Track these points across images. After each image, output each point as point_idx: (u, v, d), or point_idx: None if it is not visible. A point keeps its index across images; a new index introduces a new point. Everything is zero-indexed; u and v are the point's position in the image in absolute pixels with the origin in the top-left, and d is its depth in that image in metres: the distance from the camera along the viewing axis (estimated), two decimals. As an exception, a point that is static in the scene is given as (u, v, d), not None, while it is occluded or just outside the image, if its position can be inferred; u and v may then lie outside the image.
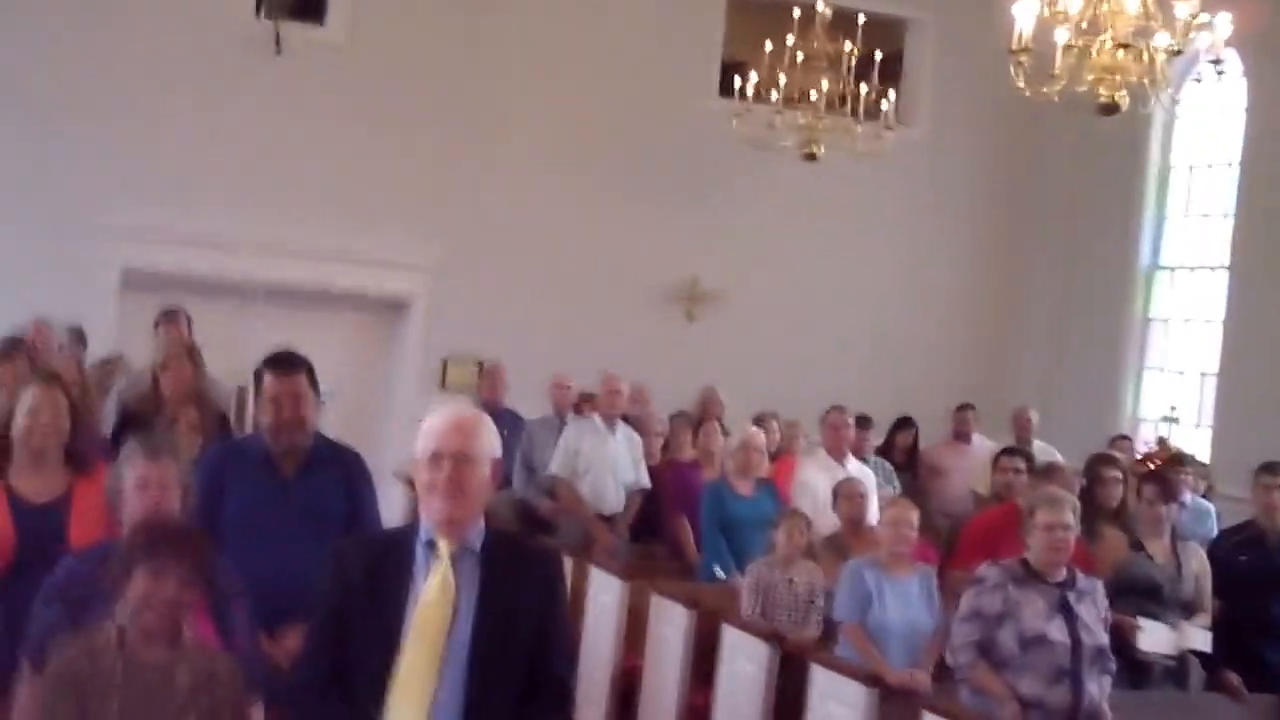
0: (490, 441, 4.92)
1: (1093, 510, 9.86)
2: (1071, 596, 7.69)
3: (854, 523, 10.38)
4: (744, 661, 8.72)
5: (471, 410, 5.11)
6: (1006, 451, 11.47)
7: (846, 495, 10.59)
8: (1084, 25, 9.78)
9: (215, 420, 8.99)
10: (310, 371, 7.10)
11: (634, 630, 10.05)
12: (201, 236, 15.48)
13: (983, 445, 13.98)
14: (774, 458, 12.28)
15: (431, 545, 4.82)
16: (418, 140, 16.44)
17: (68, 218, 15.15)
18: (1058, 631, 7.57)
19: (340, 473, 7.08)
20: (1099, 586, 7.99)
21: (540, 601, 4.93)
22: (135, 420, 8.83)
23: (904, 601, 8.86)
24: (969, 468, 13.61)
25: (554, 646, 4.97)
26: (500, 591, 4.82)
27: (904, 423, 14.78)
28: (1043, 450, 13.00)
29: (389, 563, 4.85)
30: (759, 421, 12.89)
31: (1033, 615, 7.59)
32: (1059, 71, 9.87)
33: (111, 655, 5.02)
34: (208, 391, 9.49)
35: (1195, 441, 15.59)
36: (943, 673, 8.40)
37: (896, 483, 13.02)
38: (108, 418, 9.68)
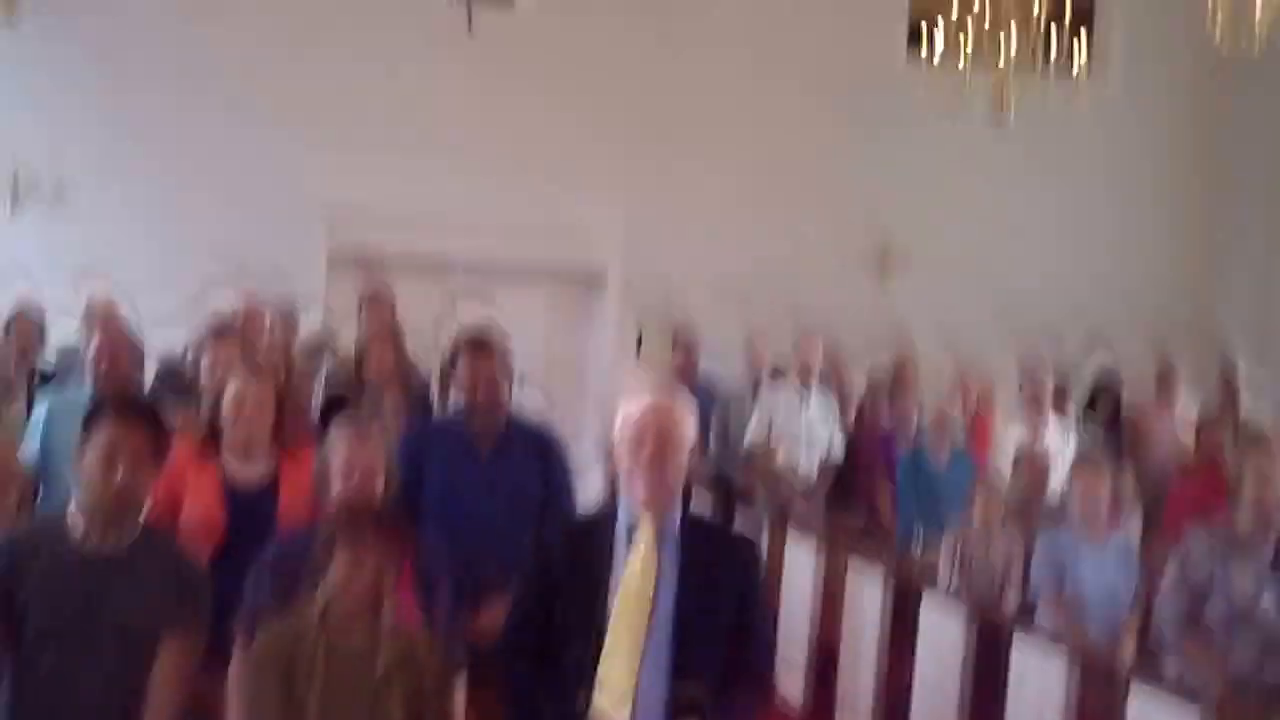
0: (690, 424, 4.95)
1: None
2: (1283, 565, 7.53)
3: (1038, 488, 10.26)
4: (944, 632, 8.64)
5: (670, 394, 5.12)
6: (1214, 417, 11.28)
7: (1028, 460, 10.48)
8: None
9: (418, 402, 9.09)
10: (504, 352, 7.16)
11: (832, 600, 10.02)
12: (400, 216, 15.64)
13: (1188, 405, 13.74)
14: (972, 421, 12.18)
15: (631, 527, 4.83)
16: (607, 112, 16.43)
17: (274, 198, 15.37)
18: (1270, 602, 7.41)
19: (536, 452, 7.19)
20: (1313, 554, 7.81)
21: (740, 587, 4.94)
22: (341, 402, 8.95)
23: (1101, 569, 8.74)
24: (1173, 429, 13.38)
25: (755, 634, 4.99)
26: (701, 574, 4.86)
27: (1107, 381, 14.58)
28: (1250, 409, 12.73)
29: (591, 544, 4.91)
30: (956, 385, 12.80)
31: (1243, 585, 7.43)
32: (1257, 23, 9.64)
33: (314, 636, 5.11)
34: (410, 373, 9.62)
35: None
36: (1146, 642, 8.27)
37: (1099, 443, 12.80)
38: (315, 399, 9.84)
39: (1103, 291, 17.53)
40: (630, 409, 4.93)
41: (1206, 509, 8.61)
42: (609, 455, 5.01)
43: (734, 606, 4.90)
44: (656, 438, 4.83)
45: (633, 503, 4.88)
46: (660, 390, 5.15)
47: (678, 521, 4.90)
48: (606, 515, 5.00)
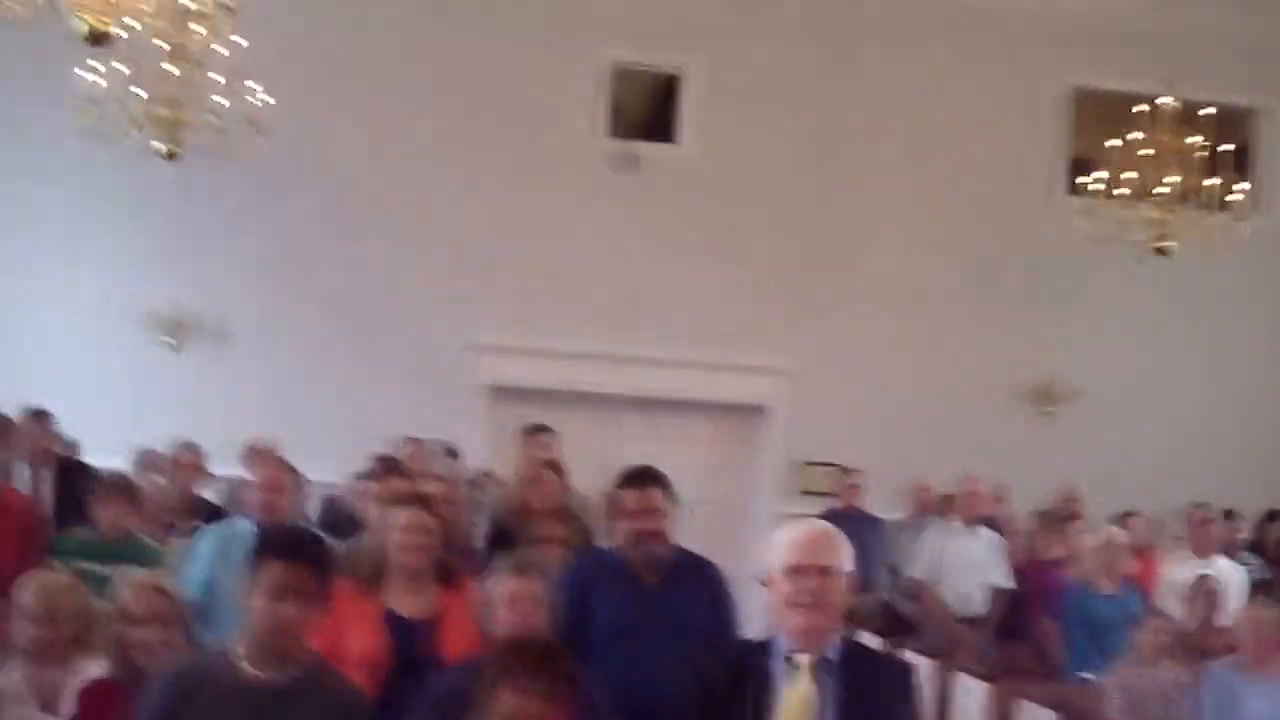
0: (846, 554, 4.95)
1: None
2: None
3: (1207, 620, 10.11)
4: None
5: (826, 524, 5.14)
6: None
7: (1203, 593, 10.36)
8: None
9: (580, 533, 9.13)
10: (666, 484, 7.20)
11: (1003, 733, 9.92)
12: (563, 351, 15.89)
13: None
14: (1138, 556, 12.05)
15: (789, 657, 4.85)
16: (772, 250, 16.60)
17: (437, 336, 15.69)
18: None
19: (701, 583, 7.14)
20: None
21: (898, 712, 4.93)
22: (504, 534, 9.02)
23: (1271, 702, 8.59)
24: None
25: None
26: (861, 703, 4.83)
27: (1274, 514, 14.37)
28: None
29: (749, 674, 4.89)
30: (1122, 519, 12.69)
31: None
32: None
33: (480, 769, 5.07)
34: (572, 505, 9.66)
35: None
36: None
37: (1269, 576, 12.61)
38: (479, 532, 9.93)
39: (1268, 427, 17.28)
40: (788, 536, 4.96)
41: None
42: (767, 584, 5.00)
43: None
44: (817, 566, 4.86)
45: (790, 632, 4.89)
46: (817, 522, 5.15)
47: (836, 649, 4.90)
48: (764, 644, 5.01)
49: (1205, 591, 10.35)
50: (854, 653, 4.98)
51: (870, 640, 11.29)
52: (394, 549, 6.86)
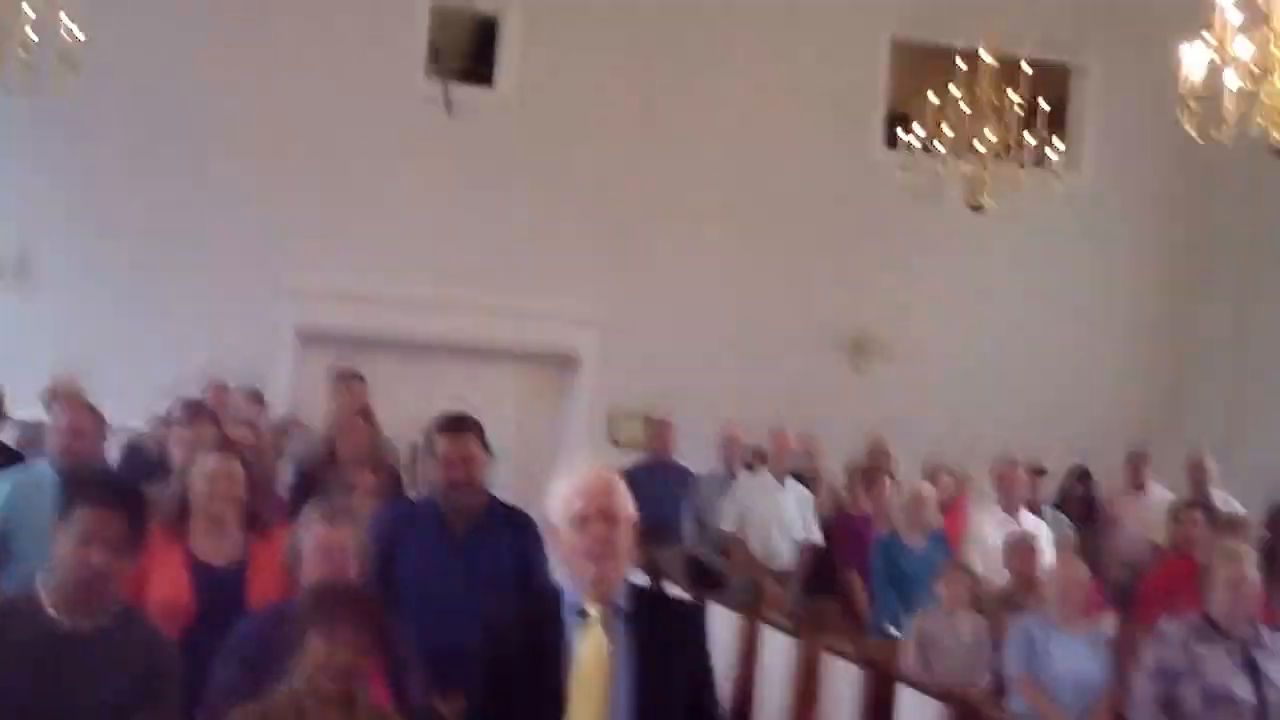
0: (629, 500, 4.92)
1: (1276, 561, 9.64)
2: (1258, 652, 7.49)
3: (1025, 577, 10.25)
4: (918, 717, 8.59)
5: (605, 469, 5.09)
6: (1186, 504, 11.25)
7: (1017, 549, 10.50)
8: (1255, 69, 9.56)
9: (390, 481, 9.07)
10: (480, 432, 7.16)
11: (806, 687, 9.89)
12: (375, 294, 15.69)
13: (1160, 494, 13.74)
14: (945, 509, 12.17)
15: (579, 606, 4.81)
16: (586, 196, 16.52)
17: (244, 278, 15.40)
18: (1243, 689, 7.37)
19: (512, 534, 7.16)
20: (1285, 640, 7.80)
21: (691, 656, 4.93)
22: (311, 482, 8.92)
23: (1073, 656, 8.76)
24: (1146, 517, 13.35)
25: (709, 700, 4.98)
26: (654, 649, 4.82)
27: (1079, 473, 14.59)
28: (1222, 500, 12.74)
29: (544, 627, 4.85)
30: (930, 473, 12.81)
31: (1217, 671, 7.40)
32: (1229, 116, 9.65)
33: (287, 718, 5.01)
34: (382, 453, 9.59)
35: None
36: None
37: (1072, 533, 12.78)
38: (284, 479, 9.80)
39: (1076, 383, 17.55)
40: (569, 486, 4.90)
41: (1180, 595, 8.58)
42: (552, 534, 4.95)
43: (688, 676, 4.88)
44: (602, 513, 4.81)
45: (580, 582, 4.84)
46: (595, 468, 5.08)
47: (626, 597, 4.87)
48: (557, 594, 4.96)
49: (1021, 548, 10.47)
50: (644, 599, 4.96)
51: (678, 593, 11.34)
52: (199, 496, 6.75)
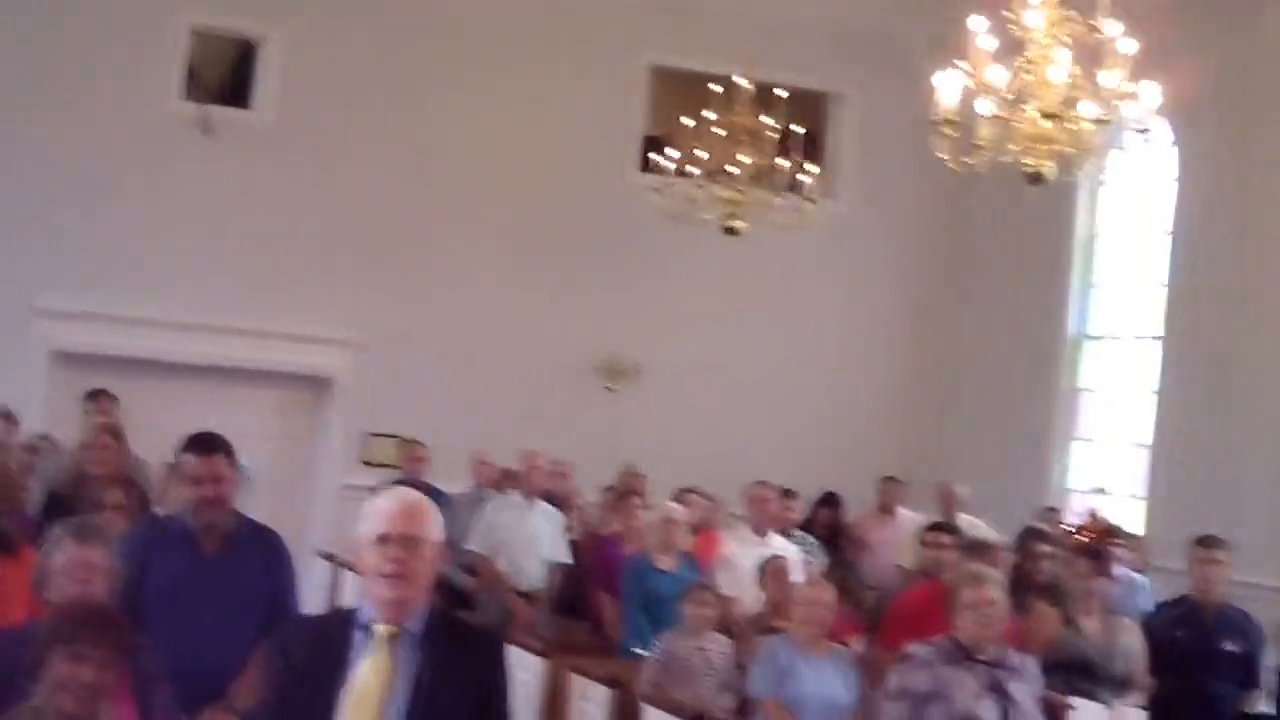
0: (436, 524, 4.85)
1: (1025, 585, 9.75)
2: (1003, 675, 7.51)
3: (780, 601, 10.24)
4: (666, 741, 8.55)
5: (416, 494, 5.03)
6: (933, 527, 11.30)
7: (773, 574, 10.51)
8: (1009, 96, 9.67)
9: (140, 500, 8.96)
10: (230, 451, 7.16)
11: (555, 709, 9.89)
12: (130, 316, 15.64)
13: (909, 518, 13.88)
14: (697, 532, 12.15)
15: (368, 627, 4.75)
16: (345, 219, 16.52)
17: (-1, 298, 15.04)
18: (989, 711, 7.38)
19: (262, 552, 7.15)
20: (1031, 664, 7.83)
21: (481, 684, 4.86)
22: (62, 501, 8.89)
23: (820, 679, 8.79)
24: (895, 540, 13.51)
25: None
26: (437, 674, 4.75)
27: (828, 497, 14.70)
28: (970, 525, 12.86)
29: (329, 645, 4.79)
30: (680, 496, 12.80)
31: (963, 695, 7.40)
32: (983, 142, 9.75)
33: (27, 739, 4.97)
34: (133, 471, 9.50)
35: (1128, 514, 15.45)
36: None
37: (821, 557, 12.84)
38: (34, 498, 9.66)
39: (831, 407, 17.73)
40: (378, 506, 4.86)
41: (928, 619, 8.61)
42: (355, 553, 4.87)
43: (472, 704, 4.78)
44: (403, 536, 4.75)
45: (375, 602, 4.73)
46: (407, 492, 5.06)
47: (420, 621, 4.75)
48: (349, 615, 4.90)
49: (774, 571, 10.49)
50: (440, 624, 4.87)
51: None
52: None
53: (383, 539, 4.73)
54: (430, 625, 4.81)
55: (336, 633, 4.80)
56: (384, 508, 4.81)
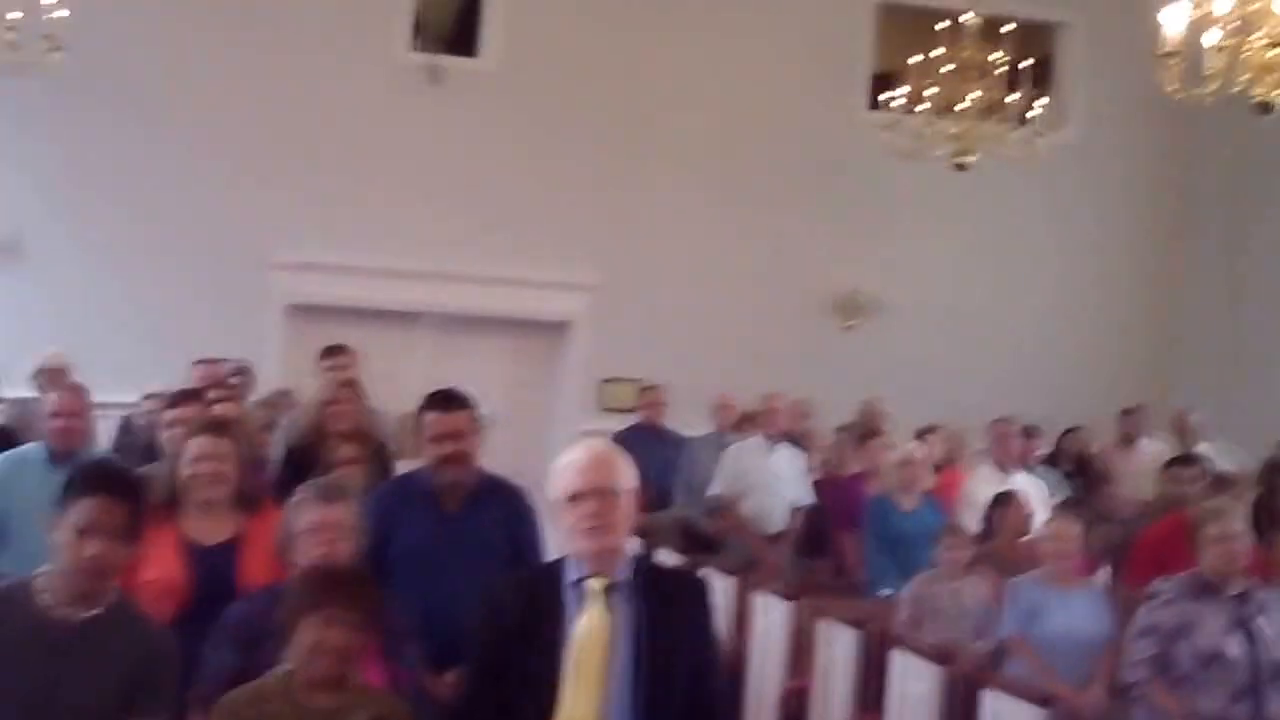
0: (627, 473, 4.93)
1: (1269, 517, 9.66)
2: (1251, 609, 7.51)
3: (1015, 535, 10.24)
4: (914, 682, 8.58)
5: (604, 444, 5.13)
6: (1176, 460, 11.22)
7: (1011, 505, 10.48)
8: (1234, 25, 9.55)
9: (379, 455, 9.05)
10: (471, 408, 7.19)
11: (801, 650, 9.92)
12: (363, 267, 15.67)
13: (1152, 449, 13.77)
14: (940, 470, 12.17)
15: (580, 582, 4.81)
16: (573, 165, 16.48)
17: (232, 253, 15.35)
18: (1236, 647, 7.39)
19: (504, 508, 7.18)
20: (1278, 596, 7.79)
21: (693, 631, 4.96)
22: (301, 457, 8.92)
23: (1071, 616, 8.72)
24: (1138, 472, 13.38)
25: (711, 675, 4.99)
26: (655, 623, 4.85)
27: (1072, 430, 14.62)
28: (1212, 453, 12.73)
29: (541, 602, 4.89)
30: (922, 434, 12.81)
31: (1210, 630, 7.42)
32: (1210, 73, 9.64)
33: (280, 701, 5.02)
34: (370, 426, 9.58)
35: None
36: (1118, 689, 8.23)
37: (1066, 492, 12.77)
38: (275, 454, 9.80)
39: (1070, 340, 17.56)
40: (566, 462, 4.92)
41: (1173, 553, 8.60)
42: (553, 510, 4.97)
43: (690, 650, 4.89)
44: (596, 489, 4.82)
45: (580, 557, 4.85)
46: (594, 444, 5.13)
47: (627, 570, 4.87)
48: (555, 570, 4.96)
49: (1015, 503, 10.47)
50: (646, 572, 4.99)
51: (670, 558, 11.37)
52: (189, 473, 6.73)
53: (578, 494, 4.83)
54: (638, 574, 4.92)
55: (547, 590, 4.90)
56: (574, 463, 4.91)
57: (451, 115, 16.14)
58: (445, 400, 7.21)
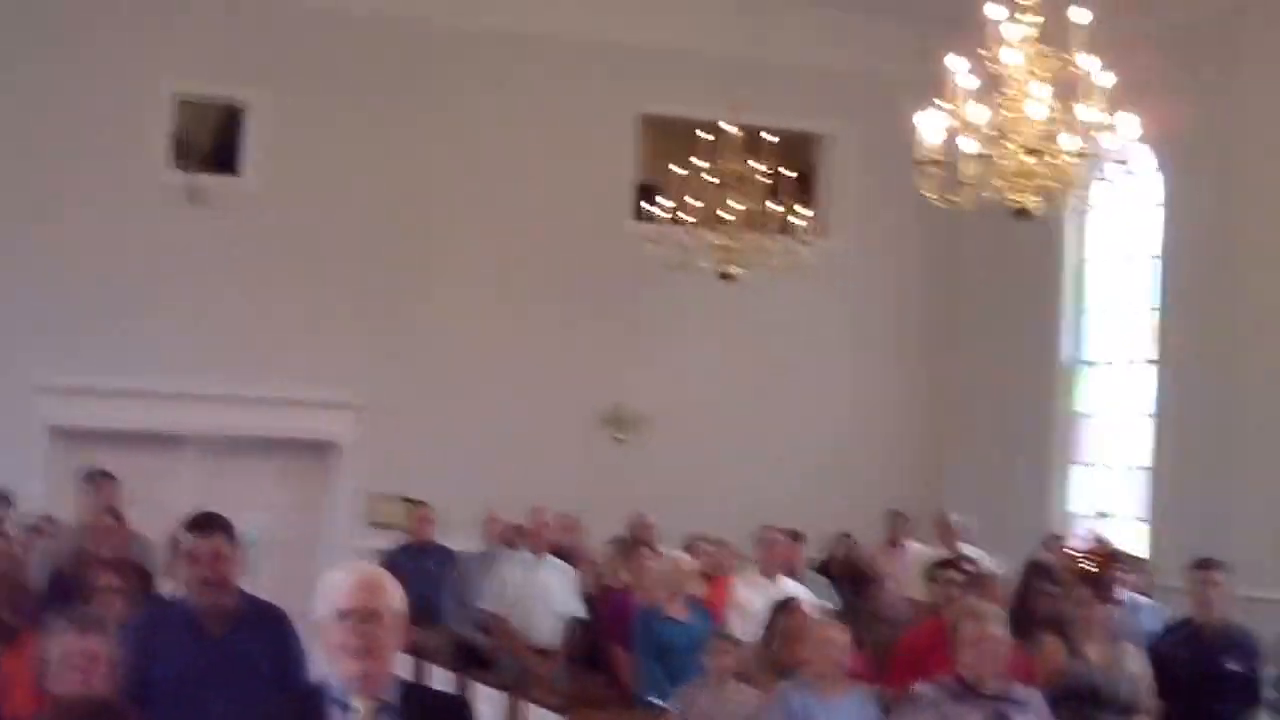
0: (395, 594, 4.88)
1: (1029, 618, 9.83)
2: (1009, 709, 7.58)
3: (795, 642, 10.26)
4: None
5: (371, 565, 5.07)
6: (941, 564, 11.37)
7: (789, 614, 10.47)
8: (991, 133, 9.80)
9: (142, 581, 8.93)
10: (230, 530, 7.09)
11: (574, 764, 9.92)
12: (128, 389, 15.51)
13: (916, 551, 13.97)
14: (708, 579, 12.21)
15: (344, 703, 4.76)
16: (337, 282, 16.47)
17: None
18: (996, 745, 7.49)
19: (268, 631, 7.07)
20: (1037, 696, 7.91)
21: None
22: (63, 582, 8.77)
23: (838, 720, 8.74)
24: (904, 574, 13.57)
25: None
26: None
27: (842, 537, 14.79)
28: (976, 554, 12.93)
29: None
30: (690, 543, 12.86)
31: (969, 731, 7.51)
32: (967, 179, 9.88)
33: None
34: (135, 551, 9.45)
35: (1131, 537, 15.52)
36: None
37: (832, 598, 12.89)
38: (38, 580, 9.63)
39: (837, 448, 17.75)
40: (333, 582, 4.87)
41: (933, 656, 8.69)
42: (318, 631, 4.89)
43: None
44: (363, 610, 4.77)
45: (344, 678, 4.80)
46: (361, 565, 5.09)
47: (393, 693, 4.83)
48: (320, 691, 4.90)
49: (793, 613, 10.48)
50: (411, 694, 4.92)
51: (443, 675, 11.28)
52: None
53: (344, 614, 4.74)
54: (404, 696, 4.85)
55: (312, 713, 4.78)
56: (342, 583, 4.82)
57: (214, 233, 16.02)
58: (206, 523, 7.11)
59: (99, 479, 10.96)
